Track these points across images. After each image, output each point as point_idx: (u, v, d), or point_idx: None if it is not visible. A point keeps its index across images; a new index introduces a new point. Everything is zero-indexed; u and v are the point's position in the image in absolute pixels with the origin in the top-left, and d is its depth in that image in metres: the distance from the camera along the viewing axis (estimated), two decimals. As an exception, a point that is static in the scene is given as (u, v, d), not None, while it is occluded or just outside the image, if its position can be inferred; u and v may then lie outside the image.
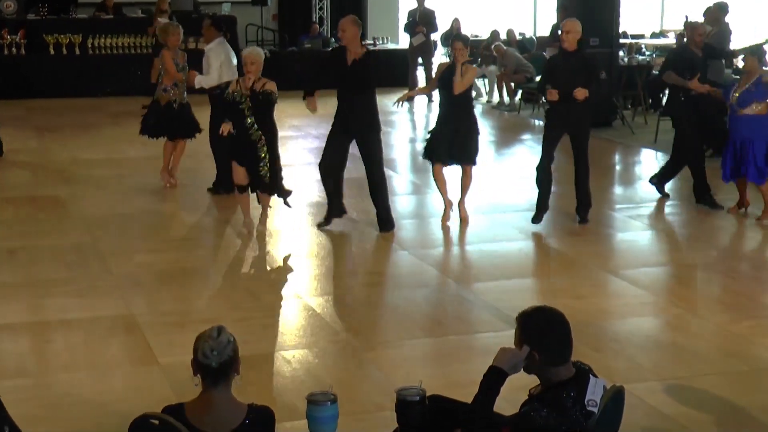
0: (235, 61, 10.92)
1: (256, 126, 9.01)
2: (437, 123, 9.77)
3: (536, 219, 9.74)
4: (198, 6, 20.75)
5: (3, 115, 14.09)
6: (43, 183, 11.80)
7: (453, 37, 10.44)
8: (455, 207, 9.92)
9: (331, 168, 9.41)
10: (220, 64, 10.72)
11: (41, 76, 18.72)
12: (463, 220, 9.84)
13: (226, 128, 9.11)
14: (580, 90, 9.20)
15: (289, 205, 9.48)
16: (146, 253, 8.91)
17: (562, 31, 9.45)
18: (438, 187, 9.91)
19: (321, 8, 22.77)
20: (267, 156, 9.08)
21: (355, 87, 9.18)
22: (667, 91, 14.10)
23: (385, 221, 9.51)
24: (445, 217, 9.85)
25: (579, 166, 9.71)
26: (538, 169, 9.73)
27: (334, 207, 9.59)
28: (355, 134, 9.28)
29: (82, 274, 8.27)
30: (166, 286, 8.00)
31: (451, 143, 9.58)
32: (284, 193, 9.38)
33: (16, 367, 6.34)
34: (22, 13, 19.37)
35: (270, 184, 9.23)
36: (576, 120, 9.47)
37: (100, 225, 9.86)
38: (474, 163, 9.83)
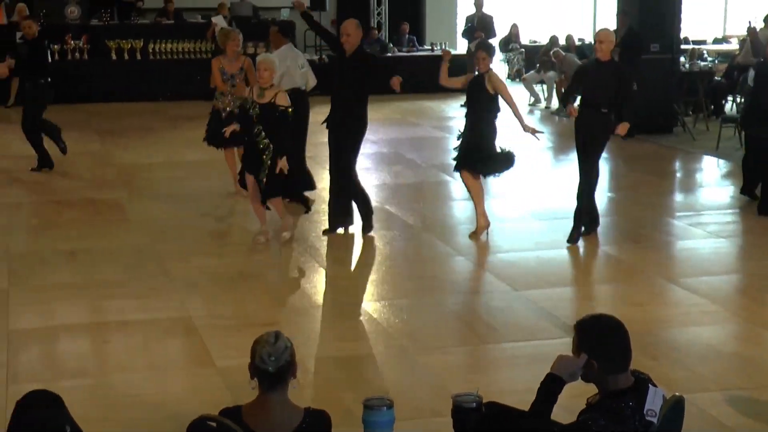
0: (303, 64, 10.88)
1: (263, 134, 8.89)
2: (464, 132, 9.51)
3: (572, 238, 9.39)
4: (257, 11, 20.89)
5: (66, 119, 14.26)
6: (104, 186, 11.93)
7: (477, 45, 10.33)
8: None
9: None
10: (281, 73, 10.43)
11: (103, 80, 18.99)
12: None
13: (229, 130, 9.27)
14: (623, 126, 9.07)
15: (308, 210, 9.41)
16: (204, 257, 8.96)
17: (595, 41, 9.37)
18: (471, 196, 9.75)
19: (380, 13, 22.81)
20: (267, 164, 8.86)
21: (352, 91, 9.22)
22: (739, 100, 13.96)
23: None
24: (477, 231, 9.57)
25: (585, 175, 9.46)
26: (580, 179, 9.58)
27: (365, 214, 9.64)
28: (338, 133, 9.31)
29: (141, 276, 8.35)
30: (223, 289, 8.04)
31: (475, 151, 9.39)
32: (304, 201, 9.36)
33: (75, 367, 6.41)
34: (85, 19, 19.63)
35: (268, 189, 8.99)
36: (593, 127, 9.30)
37: (159, 228, 9.94)
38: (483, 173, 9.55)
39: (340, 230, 9.62)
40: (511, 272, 8.53)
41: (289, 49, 10.83)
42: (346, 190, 9.54)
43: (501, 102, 9.29)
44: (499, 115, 9.37)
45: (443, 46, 21.68)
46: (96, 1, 20.15)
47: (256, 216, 9.40)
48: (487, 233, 9.56)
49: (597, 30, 9.69)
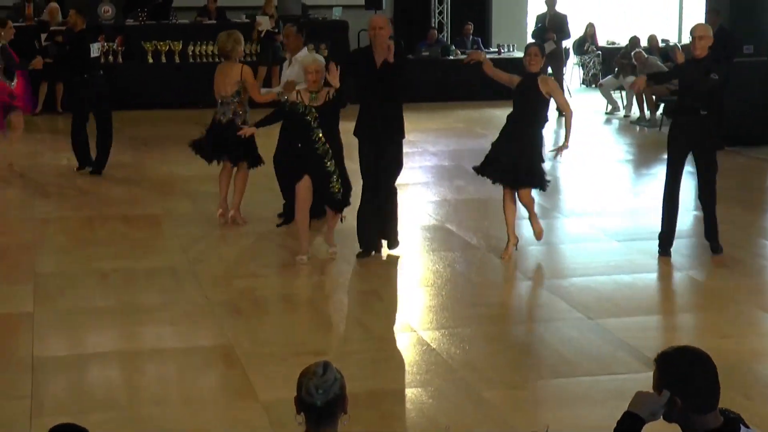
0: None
1: (322, 138, 9.06)
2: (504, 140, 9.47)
3: (663, 250, 9.52)
4: (306, 10, 21.02)
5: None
6: (138, 200, 12.06)
7: (530, 43, 10.28)
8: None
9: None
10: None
11: (138, 85, 19.20)
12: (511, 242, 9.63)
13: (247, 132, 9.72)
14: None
15: (341, 220, 9.52)
16: (246, 278, 9.02)
17: (693, 37, 9.40)
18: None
19: (441, 12, 22.83)
20: (336, 170, 9.11)
21: (385, 94, 9.18)
22: None
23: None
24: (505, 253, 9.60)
25: (704, 188, 9.54)
26: (664, 195, 9.56)
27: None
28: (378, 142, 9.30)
29: (178, 299, 8.42)
30: (267, 314, 8.08)
31: (515, 163, 9.34)
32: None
33: (105, 398, 6.47)
34: (120, 18, 19.83)
35: (341, 200, 9.25)
36: (694, 134, 9.32)
37: (198, 246, 10.02)
38: (535, 186, 9.54)
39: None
40: (586, 298, 8.48)
41: (310, 54, 10.74)
42: (390, 207, 9.55)
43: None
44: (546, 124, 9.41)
45: (511, 49, 21.75)
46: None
47: (301, 233, 9.41)
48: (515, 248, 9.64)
49: (694, 25, 9.68)
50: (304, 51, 10.74)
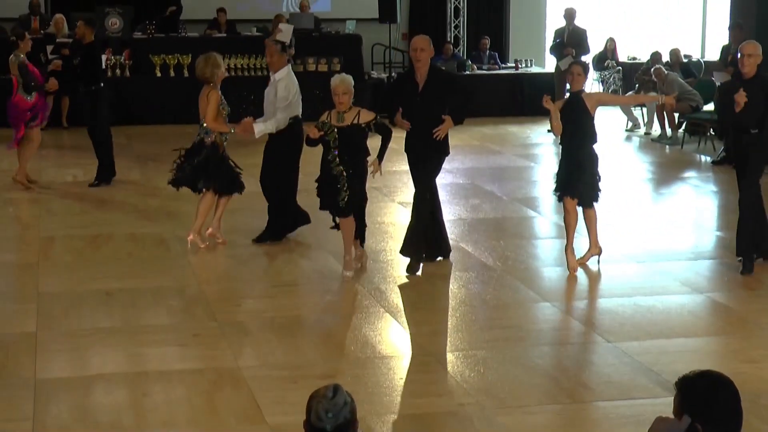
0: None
1: (338, 160, 9.27)
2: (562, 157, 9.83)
3: (745, 269, 9.68)
4: (319, 24, 21.08)
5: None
6: (145, 218, 12.09)
7: (573, 61, 10.37)
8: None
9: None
10: (288, 103, 10.43)
11: (146, 99, 19.30)
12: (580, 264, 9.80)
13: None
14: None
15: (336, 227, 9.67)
16: (255, 299, 9.03)
17: (742, 55, 9.46)
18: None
19: (456, 26, 22.89)
20: (348, 190, 9.28)
21: (428, 115, 9.53)
22: None
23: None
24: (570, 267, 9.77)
25: (744, 203, 9.63)
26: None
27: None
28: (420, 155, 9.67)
29: (185, 320, 8.43)
30: (276, 336, 8.08)
31: (573, 176, 9.60)
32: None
33: (110, 421, 6.48)
34: (128, 31, 19.90)
35: (345, 208, 9.39)
36: (744, 148, 9.51)
37: (205, 266, 10.04)
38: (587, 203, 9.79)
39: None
40: (605, 321, 8.46)
41: (290, 72, 10.63)
42: (437, 217, 9.97)
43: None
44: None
45: (529, 64, 21.79)
46: (140, 12, 20.45)
47: (348, 250, 9.57)
48: (598, 260, 9.80)
49: (743, 42, 9.74)
50: (286, 69, 10.59)
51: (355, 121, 9.24)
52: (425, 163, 9.69)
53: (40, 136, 13.67)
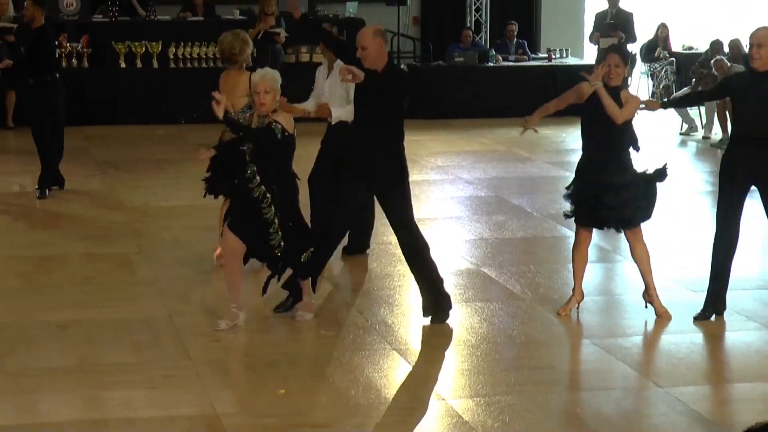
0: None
1: (258, 179, 8.87)
2: (579, 168, 9.46)
3: (702, 315, 9.38)
4: (315, 5, 21.13)
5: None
6: (106, 236, 12.10)
7: (609, 48, 10.15)
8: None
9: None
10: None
11: (108, 95, 19.28)
12: (660, 316, 9.50)
13: (205, 153, 9.80)
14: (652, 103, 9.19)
15: (297, 285, 9.37)
16: (236, 333, 9.03)
17: (751, 44, 8.90)
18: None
19: (478, 9, 22.89)
20: (276, 219, 8.85)
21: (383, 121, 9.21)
22: None
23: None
24: (565, 307, 9.58)
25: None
26: (715, 236, 9.47)
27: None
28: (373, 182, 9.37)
29: (154, 358, 8.44)
30: (261, 377, 8.09)
31: (600, 198, 9.22)
32: (303, 271, 9.20)
33: (63, 479, 6.50)
34: (86, 14, 19.87)
35: (284, 258, 9.02)
36: (763, 164, 9.09)
37: (178, 294, 10.05)
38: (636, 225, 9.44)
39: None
40: (653, 362, 8.47)
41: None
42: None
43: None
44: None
45: (564, 54, 21.79)
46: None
47: (229, 288, 9.22)
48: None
49: (755, 29, 9.03)
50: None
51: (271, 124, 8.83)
52: (386, 196, 9.35)
53: None
